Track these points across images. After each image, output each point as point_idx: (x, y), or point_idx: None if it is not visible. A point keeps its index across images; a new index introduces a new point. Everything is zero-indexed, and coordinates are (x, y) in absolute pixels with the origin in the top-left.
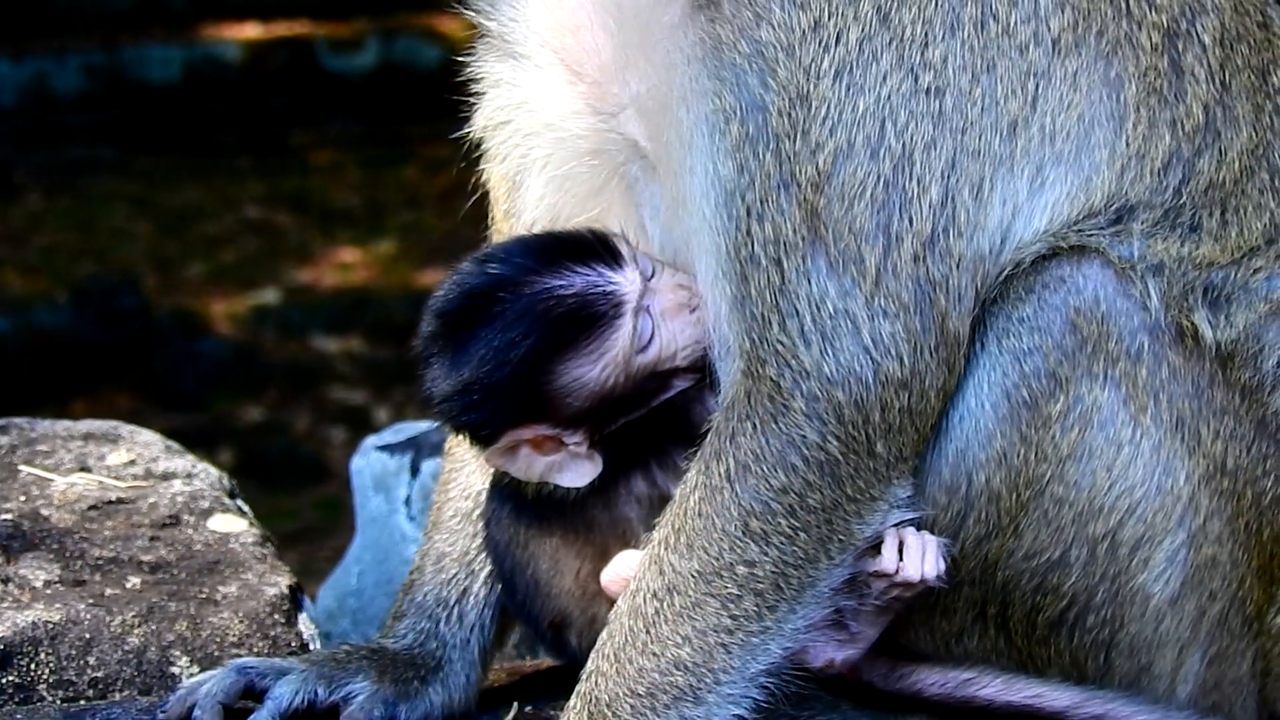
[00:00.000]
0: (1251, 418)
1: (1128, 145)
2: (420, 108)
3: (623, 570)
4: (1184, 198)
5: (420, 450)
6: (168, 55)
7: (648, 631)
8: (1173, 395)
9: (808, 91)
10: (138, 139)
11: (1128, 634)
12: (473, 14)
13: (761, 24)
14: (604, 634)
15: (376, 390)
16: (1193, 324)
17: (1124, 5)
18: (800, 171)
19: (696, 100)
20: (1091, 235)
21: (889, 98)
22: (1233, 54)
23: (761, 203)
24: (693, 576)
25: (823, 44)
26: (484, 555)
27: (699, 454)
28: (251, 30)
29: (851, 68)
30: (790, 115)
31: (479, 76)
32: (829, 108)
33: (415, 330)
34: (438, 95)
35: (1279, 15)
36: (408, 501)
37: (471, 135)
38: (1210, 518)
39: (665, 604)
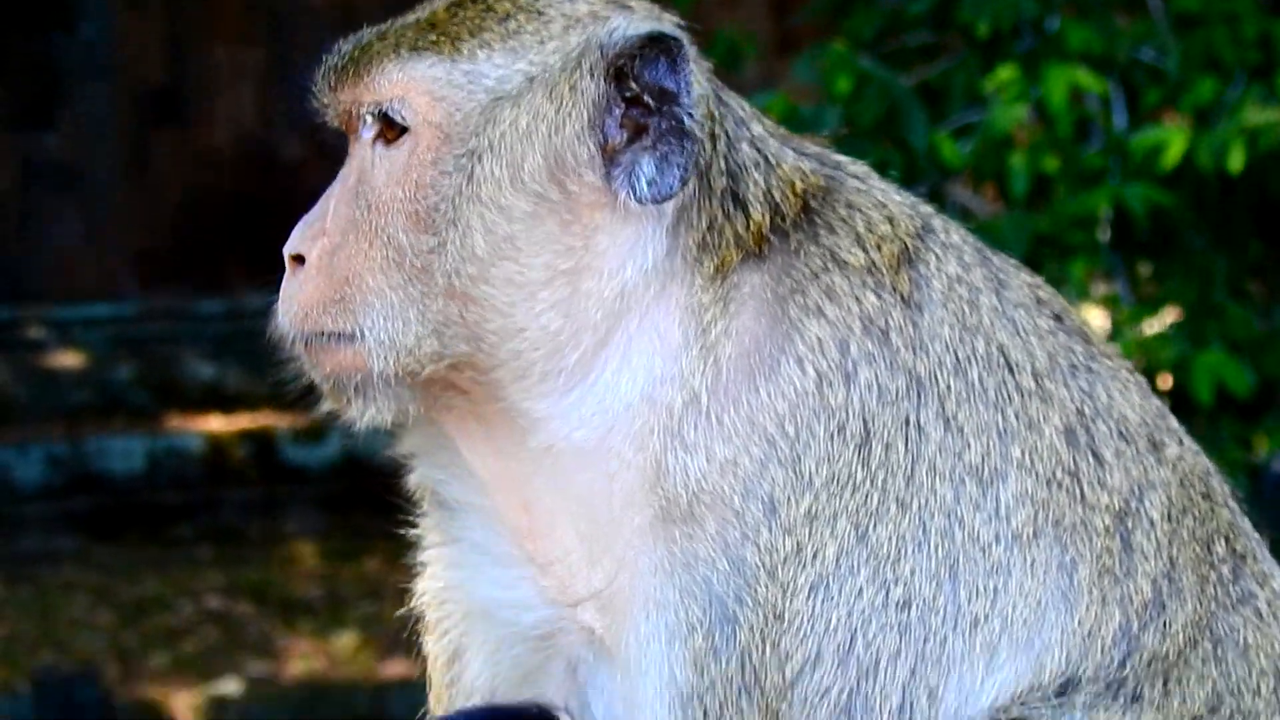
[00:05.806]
0: None
1: (1079, 624)
2: (381, 499)
3: None
4: (1128, 670)
5: None
6: (130, 447)
7: None
8: None
9: (783, 609)
10: (98, 529)
11: None
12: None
13: (747, 544)
14: None
15: None
16: None
17: (1079, 492)
18: (765, 678)
19: (658, 610)
20: (1035, 707)
21: (862, 611)
22: (1179, 527)
23: (721, 706)
24: None
25: (802, 563)
26: None
27: None
28: (215, 423)
29: (828, 582)
30: (763, 630)
31: (421, 540)
32: (802, 620)
33: None
34: (398, 488)
35: (1219, 485)
36: None
37: (413, 608)
38: None
39: None
